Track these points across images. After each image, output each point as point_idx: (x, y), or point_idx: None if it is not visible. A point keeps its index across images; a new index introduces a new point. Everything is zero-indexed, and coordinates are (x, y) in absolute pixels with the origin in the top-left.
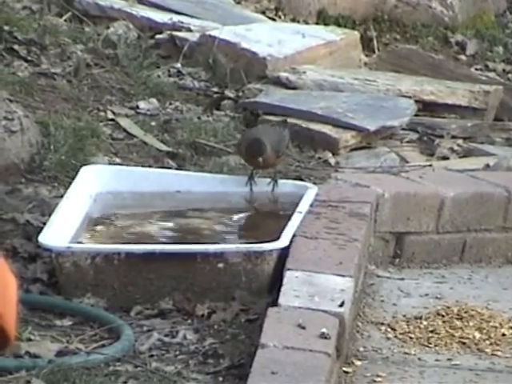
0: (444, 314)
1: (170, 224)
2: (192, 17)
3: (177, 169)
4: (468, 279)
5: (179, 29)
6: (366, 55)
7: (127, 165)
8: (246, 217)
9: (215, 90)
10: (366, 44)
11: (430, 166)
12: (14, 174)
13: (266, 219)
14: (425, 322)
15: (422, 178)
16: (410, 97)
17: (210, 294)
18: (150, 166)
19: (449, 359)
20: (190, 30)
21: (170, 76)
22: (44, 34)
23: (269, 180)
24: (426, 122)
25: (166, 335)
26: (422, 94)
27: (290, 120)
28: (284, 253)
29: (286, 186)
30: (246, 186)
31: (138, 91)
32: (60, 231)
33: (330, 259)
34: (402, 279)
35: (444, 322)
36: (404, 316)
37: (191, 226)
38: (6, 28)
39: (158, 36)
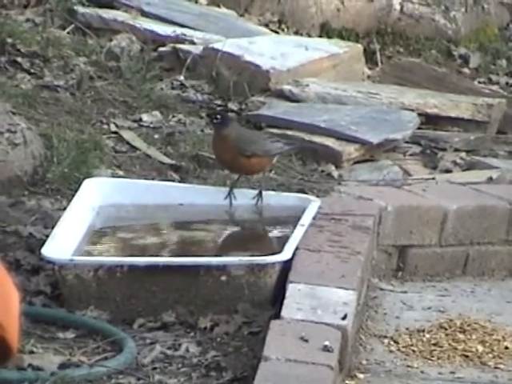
0: (447, 327)
1: (173, 236)
2: (195, 29)
3: (180, 181)
4: (471, 292)
5: (182, 41)
6: (370, 68)
7: (130, 177)
8: (248, 230)
9: (218, 102)
10: (370, 57)
11: (433, 179)
12: (17, 187)
13: (268, 232)
14: (427, 335)
15: (424, 190)
16: (413, 110)
17: (212, 307)
18: (153, 179)
19: (452, 372)
20: (193, 43)
21: (173, 89)
22: (47, 47)
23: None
24: (429, 135)
25: (169, 348)
26: (425, 107)
27: (293, 133)
28: (287, 265)
29: (290, 198)
30: (225, 199)
31: (141, 104)
32: (63, 244)
33: (332, 272)
34: (405, 292)
35: (447, 335)
36: (407, 329)
37: (194, 238)
38: (9, 40)
39: (161, 48)
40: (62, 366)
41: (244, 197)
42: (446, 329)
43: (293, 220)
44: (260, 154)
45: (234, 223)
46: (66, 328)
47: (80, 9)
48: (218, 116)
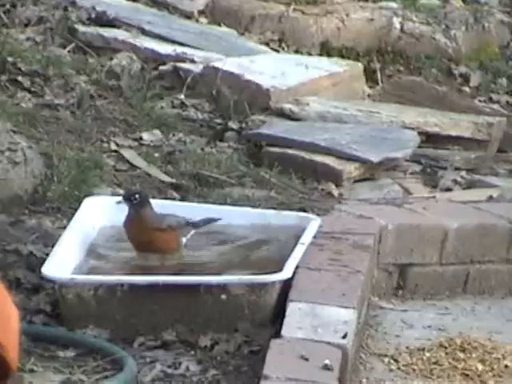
0: (447, 345)
1: (173, 255)
2: (195, 48)
3: (180, 200)
4: (471, 311)
5: (183, 60)
6: (370, 87)
7: None
8: (249, 248)
9: (219, 121)
10: (370, 75)
11: (434, 197)
12: (17, 205)
13: (269, 250)
14: (428, 354)
15: (425, 209)
16: (413, 128)
17: (213, 326)
18: (153, 198)
19: None
20: (193, 62)
21: (173, 107)
22: (47, 66)
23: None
24: (430, 153)
25: (169, 366)
26: (425, 126)
27: (293, 151)
28: (287, 284)
29: (290, 217)
30: None
31: (141, 122)
32: (63, 262)
33: (333, 291)
34: (405, 311)
35: (447, 353)
36: (407, 348)
37: (194, 257)
38: (10, 59)
39: (161, 67)
40: None
41: (244, 216)
42: (446, 347)
43: (293, 239)
44: (174, 225)
45: (235, 242)
46: (66, 347)
47: (81, 28)
48: (137, 196)
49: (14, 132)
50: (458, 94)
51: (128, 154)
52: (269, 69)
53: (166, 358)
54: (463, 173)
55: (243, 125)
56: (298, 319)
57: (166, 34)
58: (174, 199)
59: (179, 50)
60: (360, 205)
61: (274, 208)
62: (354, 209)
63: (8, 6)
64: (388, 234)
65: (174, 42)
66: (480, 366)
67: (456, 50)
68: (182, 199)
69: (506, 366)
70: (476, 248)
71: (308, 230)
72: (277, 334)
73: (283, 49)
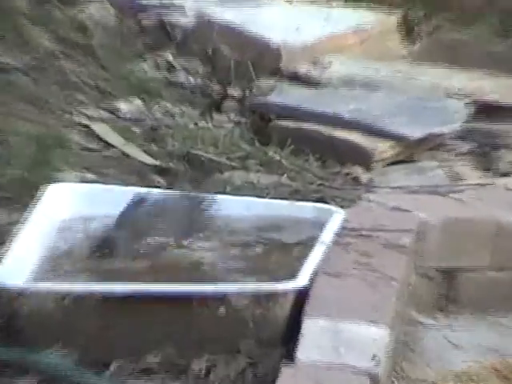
0: (502, 369)
1: (160, 257)
2: None
3: (167, 187)
4: None
5: (170, 11)
6: (407, 45)
7: (103, 182)
8: (255, 248)
9: (215, 87)
10: (407, 31)
11: (488, 184)
12: None
13: (280, 251)
14: (478, 381)
15: (477, 199)
16: (462, 97)
17: (208, 346)
18: (132, 185)
19: None
20: (183, 12)
21: (158, 70)
22: None
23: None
24: (482, 128)
25: None
26: (477, 94)
27: (310, 126)
28: (302, 294)
29: (306, 209)
30: None
31: (117, 89)
32: (19, 266)
33: (359, 302)
34: (451, 327)
35: (502, 380)
36: (452, 372)
37: (186, 259)
38: None
39: (143, 20)
40: None
41: (248, 208)
42: (500, 371)
43: (310, 236)
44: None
45: (236, 240)
46: (24, 371)
47: None
48: None
49: None
50: None
51: (100, 128)
52: (279, 22)
53: None
54: None
55: (246, 92)
56: (315, 338)
57: None
58: (159, 186)
59: None
60: (394, 194)
61: (286, 198)
62: (386, 199)
63: None
64: (430, 230)
65: None
66: None
67: None
68: (170, 186)
69: None
70: None
71: (329, 225)
72: (289, 357)
73: None
